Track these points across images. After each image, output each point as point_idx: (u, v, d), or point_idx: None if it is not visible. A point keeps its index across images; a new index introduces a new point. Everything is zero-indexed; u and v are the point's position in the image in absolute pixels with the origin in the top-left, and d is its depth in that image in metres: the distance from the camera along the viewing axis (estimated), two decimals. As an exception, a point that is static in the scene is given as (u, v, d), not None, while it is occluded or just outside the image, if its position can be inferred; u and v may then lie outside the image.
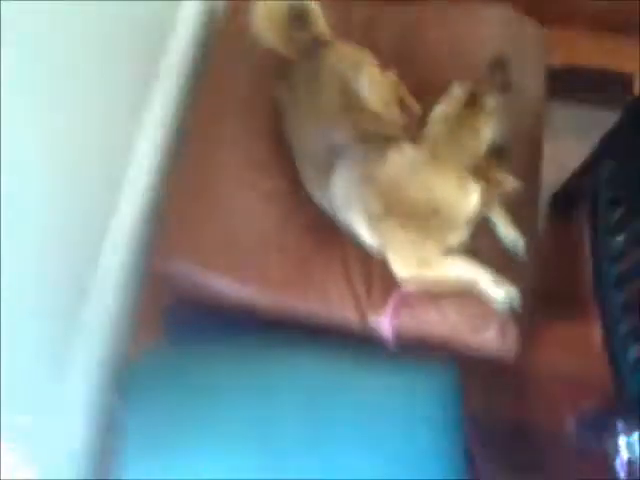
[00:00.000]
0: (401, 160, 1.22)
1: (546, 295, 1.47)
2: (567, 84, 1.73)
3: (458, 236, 1.28)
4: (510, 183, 1.19)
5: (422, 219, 1.24)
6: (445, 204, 1.21)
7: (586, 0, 1.89)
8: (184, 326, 1.42)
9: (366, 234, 1.32)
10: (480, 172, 1.16)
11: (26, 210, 1.07)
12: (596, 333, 1.37)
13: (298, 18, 1.43)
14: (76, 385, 1.32)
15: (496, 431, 1.42)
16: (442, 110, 1.20)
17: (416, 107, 1.39)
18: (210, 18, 1.72)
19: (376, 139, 1.31)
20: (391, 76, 1.45)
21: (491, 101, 1.19)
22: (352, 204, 1.31)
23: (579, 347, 1.47)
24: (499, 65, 1.26)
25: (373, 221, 1.28)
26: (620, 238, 1.35)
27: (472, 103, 1.19)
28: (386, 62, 1.46)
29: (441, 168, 1.19)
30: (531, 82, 1.52)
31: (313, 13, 1.45)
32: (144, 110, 1.50)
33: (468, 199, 1.20)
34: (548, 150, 1.58)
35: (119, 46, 1.32)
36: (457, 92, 1.21)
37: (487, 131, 1.17)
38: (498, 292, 1.28)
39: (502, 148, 1.17)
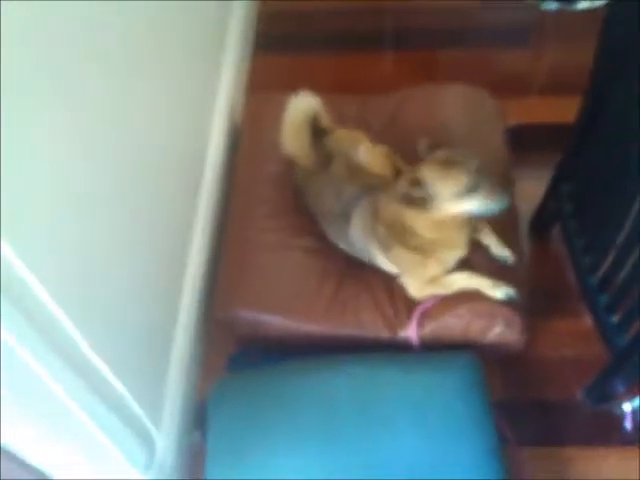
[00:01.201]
0: (395, 193, 1.52)
1: (543, 296, 1.81)
2: (528, 140, 2.13)
3: (454, 254, 1.59)
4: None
5: (421, 243, 1.55)
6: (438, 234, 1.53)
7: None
8: (246, 367, 1.69)
9: (384, 263, 1.63)
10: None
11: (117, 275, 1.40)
12: (588, 321, 1.67)
13: (315, 129, 1.77)
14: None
15: (520, 412, 1.66)
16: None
17: (405, 166, 1.73)
18: (233, 125, 2.12)
19: (378, 189, 1.65)
20: (382, 147, 1.83)
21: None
22: (368, 240, 1.62)
23: (577, 334, 1.76)
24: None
25: (386, 250, 1.60)
26: (589, 258, 1.66)
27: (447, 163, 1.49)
28: (376, 139, 1.82)
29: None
30: (494, 137, 1.87)
31: (319, 111, 1.80)
32: (197, 198, 1.88)
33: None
34: (522, 189, 1.94)
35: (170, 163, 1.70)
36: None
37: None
38: (498, 293, 1.57)
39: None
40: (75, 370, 1.16)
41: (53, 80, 1.10)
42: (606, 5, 1.51)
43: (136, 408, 1.38)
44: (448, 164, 1.47)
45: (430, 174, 1.47)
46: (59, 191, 1.11)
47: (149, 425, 1.44)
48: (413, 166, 1.54)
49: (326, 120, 1.82)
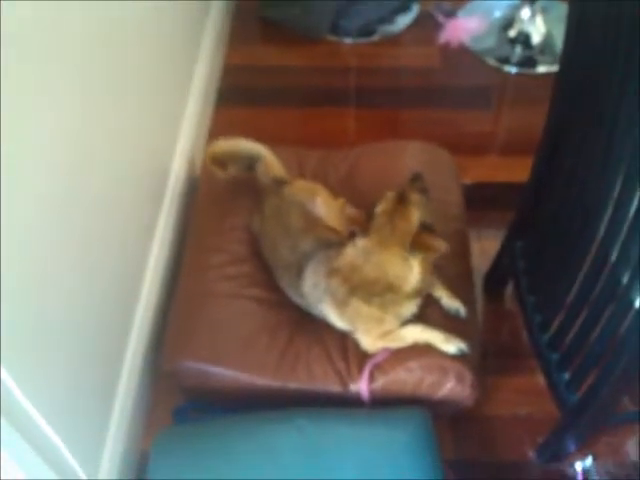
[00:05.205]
0: (356, 250, 1.54)
1: (496, 354, 1.82)
2: (486, 198, 2.16)
3: (410, 308, 1.58)
4: (439, 243, 1.48)
5: (379, 295, 1.54)
6: (395, 278, 1.52)
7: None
8: (192, 419, 1.64)
9: (336, 320, 1.61)
10: (416, 244, 1.49)
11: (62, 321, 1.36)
12: (541, 379, 1.65)
13: (250, 159, 1.86)
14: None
15: (470, 470, 1.63)
16: (381, 208, 1.54)
17: (362, 216, 1.74)
18: (192, 177, 2.13)
19: (334, 244, 1.65)
20: (340, 200, 1.84)
21: (414, 196, 1.55)
22: (321, 297, 1.60)
23: (530, 392, 1.75)
24: (417, 177, 1.65)
25: (340, 306, 1.58)
26: (540, 316, 1.66)
27: (402, 200, 1.56)
28: (335, 193, 1.85)
29: (387, 250, 1.50)
30: (449, 194, 1.89)
31: (267, 159, 1.84)
32: (150, 247, 1.86)
33: (412, 270, 1.50)
34: (478, 246, 1.97)
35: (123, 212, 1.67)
36: (390, 194, 1.57)
37: (415, 216, 1.51)
38: (449, 347, 1.56)
39: (427, 225, 1.51)
40: (6, 418, 1.12)
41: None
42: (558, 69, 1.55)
43: (70, 459, 1.33)
44: None
45: None
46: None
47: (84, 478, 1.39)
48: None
49: (280, 170, 1.84)
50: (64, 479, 1.31)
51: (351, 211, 1.77)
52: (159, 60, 1.93)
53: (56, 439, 1.28)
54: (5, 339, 1.08)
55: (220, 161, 1.90)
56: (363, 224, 1.55)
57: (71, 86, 1.31)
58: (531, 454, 1.66)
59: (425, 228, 1.50)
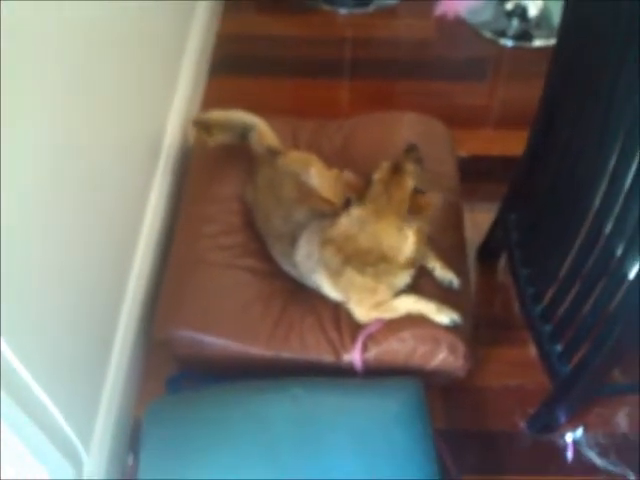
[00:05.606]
0: (351, 219, 1.53)
1: (488, 325, 1.83)
2: (481, 171, 2.15)
3: (404, 279, 1.58)
4: (432, 200, 1.51)
5: (373, 265, 1.53)
6: (389, 248, 1.52)
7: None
8: (185, 389, 1.63)
9: (330, 290, 1.61)
10: (412, 208, 1.48)
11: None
12: (532, 350, 1.67)
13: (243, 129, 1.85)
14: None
15: (461, 440, 1.64)
16: (377, 177, 1.54)
17: (360, 182, 1.71)
18: (185, 146, 2.11)
19: (328, 215, 1.64)
20: (334, 171, 1.82)
21: (409, 166, 1.55)
22: (315, 267, 1.60)
23: (521, 363, 1.76)
24: (412, 148, 1.64)
25: (334, 276, 1.57)
26: (533, 288, 1.66)
27: (397, 170, 1.55)
28: (329, 164, 1.84)
29: (382, 220, 1.49)
30: (443, 166, 1.88)
31: (260, 129, 1.83)
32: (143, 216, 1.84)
33: (407, 240, 1.51)
34: (472, 219, 1.96)
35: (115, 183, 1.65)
36: (385, 164, 1.56)
37: (410, 186, 1.52)
38: (442, 318, 1.56)
39: (418, 189, 1.51)
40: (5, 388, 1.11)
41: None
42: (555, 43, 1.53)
43: (64, 425, 1.32)
44: None
45: None
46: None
47: (77, 445, 1.38)
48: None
49: (274, 141, 1.83)
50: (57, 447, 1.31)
51: (349, 176, 1.76)
52: (152, 30, 1.90)
53: (52, 408, 1.28)
54: (4, 311, 1.07)
55: (205, 126, 1.89)
56: (361, 190, 1.54)
57: (60, 62, 1.28)
58: (522, 425, 1.67)
59: (417, 192, 1.50)
